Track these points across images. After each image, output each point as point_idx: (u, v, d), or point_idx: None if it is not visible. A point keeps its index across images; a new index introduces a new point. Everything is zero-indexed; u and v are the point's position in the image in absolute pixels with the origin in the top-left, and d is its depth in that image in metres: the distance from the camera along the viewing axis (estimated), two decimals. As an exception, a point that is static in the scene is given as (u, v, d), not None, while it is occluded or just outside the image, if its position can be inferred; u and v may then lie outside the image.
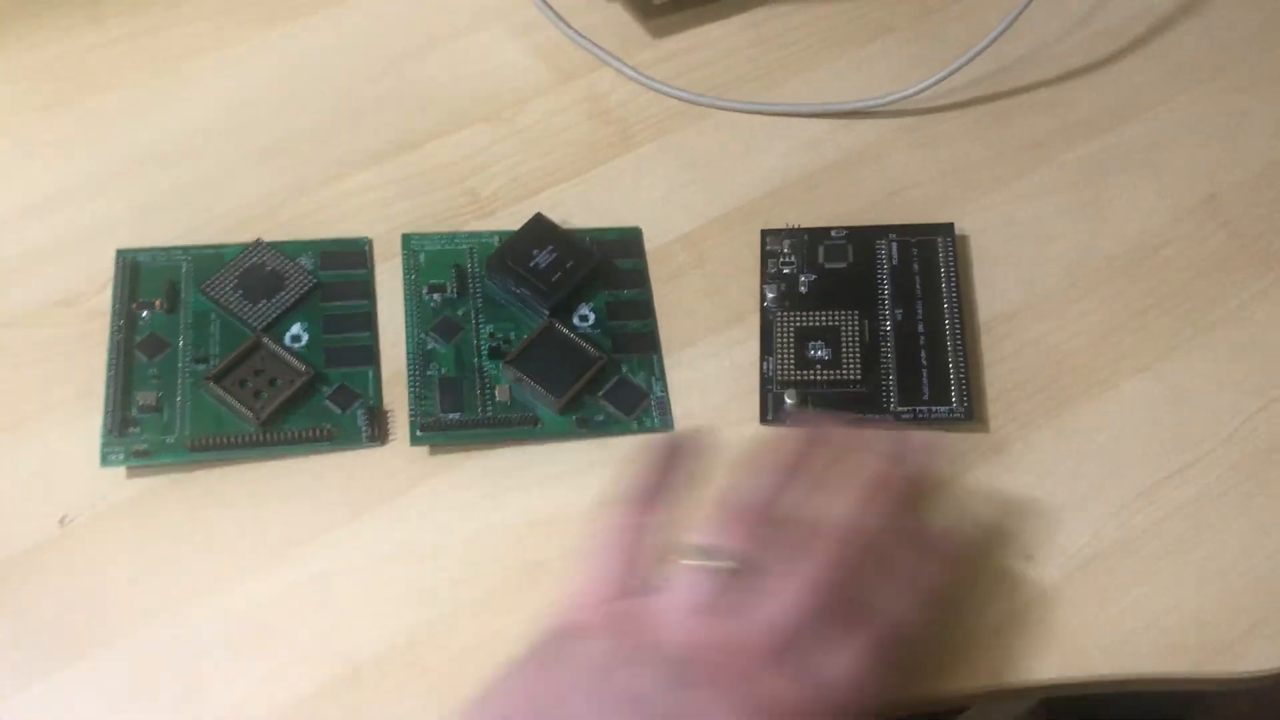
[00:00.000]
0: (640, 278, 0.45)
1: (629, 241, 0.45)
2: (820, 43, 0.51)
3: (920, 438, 0.37)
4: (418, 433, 0.40)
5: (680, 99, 0.49)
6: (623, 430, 0.41)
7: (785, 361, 0.42)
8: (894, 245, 0.44)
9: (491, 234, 0.45)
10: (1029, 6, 0.47)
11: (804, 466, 0.34)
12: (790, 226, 0.45)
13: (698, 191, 0.47)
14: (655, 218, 0.46)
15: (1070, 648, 0.37)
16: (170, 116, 0.48)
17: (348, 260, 0.45)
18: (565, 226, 0.45)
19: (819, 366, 0.42)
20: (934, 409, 0.41)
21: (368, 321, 0.43)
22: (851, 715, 0.30)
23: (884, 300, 0.43)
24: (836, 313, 0.43)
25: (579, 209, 0.46)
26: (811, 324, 0.43)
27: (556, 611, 0.32)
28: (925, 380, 0.41)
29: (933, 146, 0.48)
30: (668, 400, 0.42)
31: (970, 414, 0.40)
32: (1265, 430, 0.41)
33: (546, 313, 0.43)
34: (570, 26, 0.50)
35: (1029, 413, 0.41)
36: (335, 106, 0.49)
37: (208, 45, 0.51)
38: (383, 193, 0.47)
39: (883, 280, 0.43)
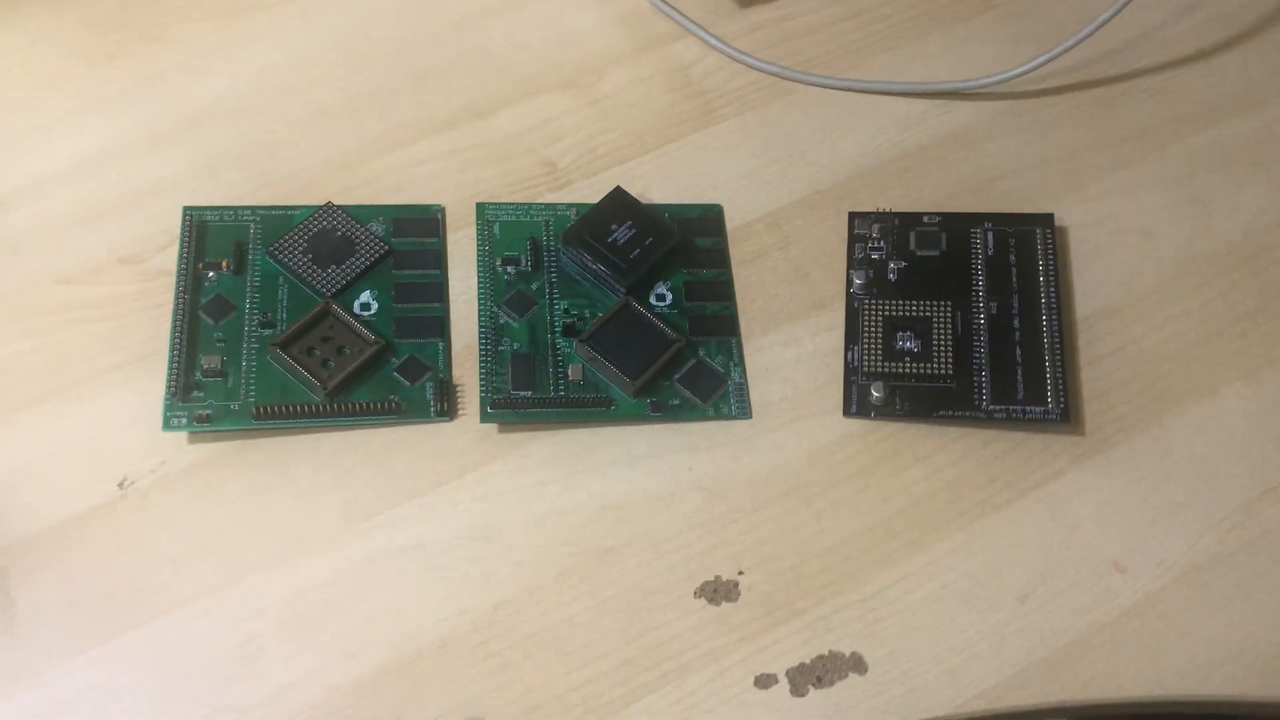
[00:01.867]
0: (720, 257, 0.43)
1: (709, 220, 0.44)
2: (916, 17, 0.49)
3: None
4: (488, 410, 0.39)
5: (766, 72, 0.47)
6: (699, 416, 0.40)
7: (872, 352, 0.40)
8: (990, 234, 0.42)
9: (568, 206, 0.43)
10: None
11: None
12: (880, 210, 0.43)
13: (782, 170, 0.45)
14: (737, 196, 0.44)
15: (1163, 665, 0.35)
16: (235, 70, 0.47)
17: (420, 228, 0.43)
18: (644, 201, 0.44)
19: (908, 359, 0.40)
20: (1028, 408, 0.39)
21: (439, 292, 0.42)
22: None
23: (978, 292, 0.41)
24: (927, 302, 0.41)
25: (658, 183, 0.45)
26: (901, 313, 0.41)
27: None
28: (1020, 378, 0.39)
29: (1031, 132, 0.46)
30: (746, 387, 0.40)
31: (1066, 415, 0.39)
32: (1377, 446, 0.39)
33: (624, 291, 0.41)
34: (653, -8, 0.48)
35: (1126, 417, 0.39)
36: (404, 68, 0.47)
37: (278, -2, 0.49)
38: (455, 160, 0.45)
39: (977, 271, 0.41)
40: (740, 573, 0.37)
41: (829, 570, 0.37)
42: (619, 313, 0.40)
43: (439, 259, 0.42)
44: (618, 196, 0.42)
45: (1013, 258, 0.42)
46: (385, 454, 0.39)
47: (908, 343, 0.40)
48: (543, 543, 0.37)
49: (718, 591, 0.37)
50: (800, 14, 0.49)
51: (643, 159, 0.45)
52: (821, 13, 0.49)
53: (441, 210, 0.44)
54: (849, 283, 0.42)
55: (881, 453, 0.39)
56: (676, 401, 0.40)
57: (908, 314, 0.41)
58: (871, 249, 0.42)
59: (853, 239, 0.43)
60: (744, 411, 0.40)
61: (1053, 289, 0.41)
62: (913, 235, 0.42)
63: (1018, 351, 0.40)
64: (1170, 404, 0.40)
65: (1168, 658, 0.35)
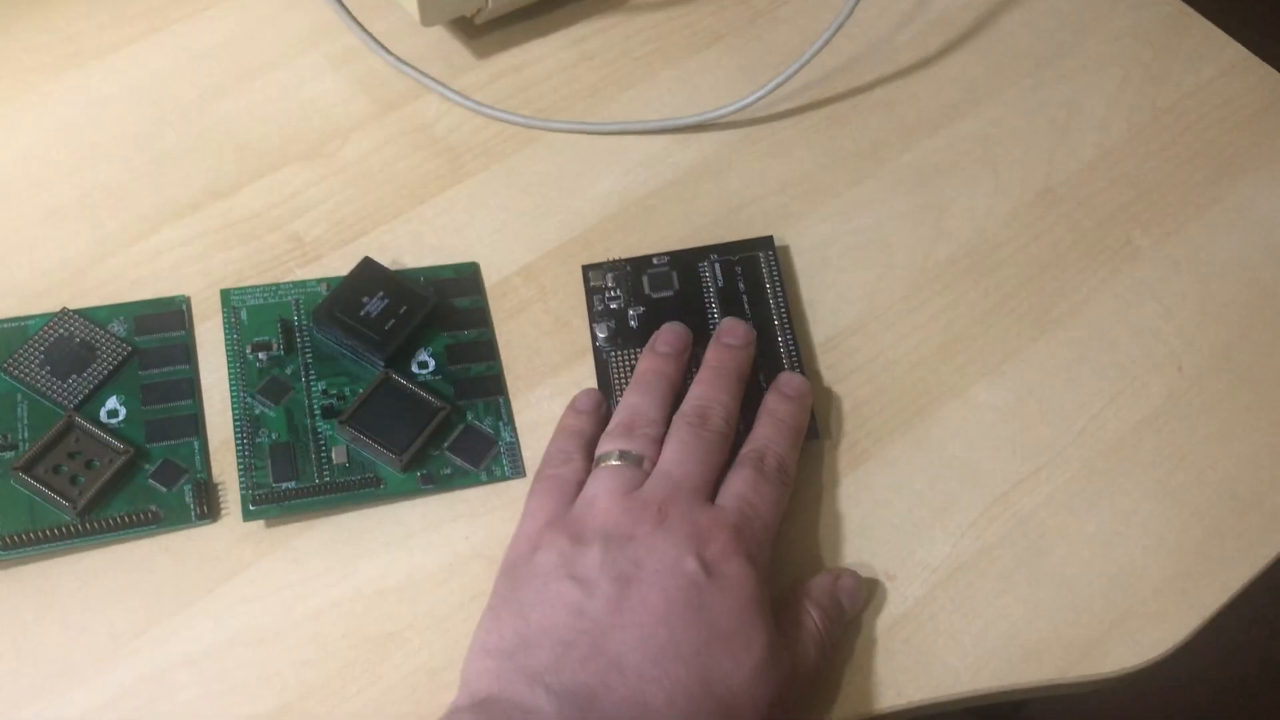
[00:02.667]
0: (481, 316, 0.43)
1: (466, 279, 0.44)
2: (647, 55, 0.49)
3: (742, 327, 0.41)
4: (250, 507, 0.38)
5: (510, 122, 0.47)
6: (472, 482, 0.39)
7: None
8: (717, 266, 0.43)
9: (318, 281, 0.43)
10: (858, 6, 0.46)
11: (667, 378, 0.40)
12: (611, 259, 0.43)
13: (535, 220, 0.45)
14: (493, 251, 0.44)
15: (938, 666, 0.37)
16: (-45, 179, 0.45)
17: (165, 322, 0.42)
18: (398, 267, 0.43)
19: (667, 400, 0.40)
20: None
21: (191, 388, 0.40)
22: (756, 524, 0.36)
23: (714, 325, 0.42)
24: (675, 343, 0.41)
25: (411, 247, 0.44)
26: (653, 356, 0.41)
27: (507, 553, 0.36)
28: (771, 404, 0.40)
29: (772, 156, 0.47)
30: (518, 445, 0.40)
31: (816, 433, 0.40)
32: (1112, 426, 0.41)
33: (382, 364, 0.41)
34: (390, 53, 0.48)
35: (881, 427, 0.41)
36: (137, 156, 0.46)
37: (-9, 97, 0.47)
38: (198, 245, 0.44)
39: (711, 304, 0.42)
40: (525, 636, 0.37)
41: (612, 620, 0.37)
42: (379, 387, 0.40)
43: (188, 352, 0.41)
44: (367, 266, 0.42)
45: (741, 285, 0.43)
46: (149, 565, 0.37)
47: None
48: (322, 637, 0.36)
49: (504, 659, 0.37)
50: (535, 61, 0.49)
51: (393, 223, 0.45)
52: (556, 58, 0.49)
53: (186, 301, 0.42)
54: (593, 337, 0.42)
55: (655, 494, 0.40)
56: (448, 470, 0.39)
57: (660, 356, 0.41)
58: (610, 299, 0.43)
59: (589, 292, 0.43)
60: (517, 471, 0.40)
61: (784, 310, 0.42)
62: (645, 279, 0.43)
63: (760, 378, 0.41)
64: (923, 409, 0.41)
65: (940, 659, 0.37)
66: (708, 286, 0.42)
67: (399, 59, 0.48)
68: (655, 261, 0.43)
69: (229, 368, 0.40)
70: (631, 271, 0.43)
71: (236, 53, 0.49)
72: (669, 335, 0.41)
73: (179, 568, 0.37)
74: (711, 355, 0.40)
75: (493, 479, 0.40)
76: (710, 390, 0.39)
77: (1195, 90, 0.50)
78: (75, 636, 0.36)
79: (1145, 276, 0.45)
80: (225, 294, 0.42)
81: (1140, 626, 0.38)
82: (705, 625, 0.33)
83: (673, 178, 0.46)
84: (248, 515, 0.38)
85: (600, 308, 0.42)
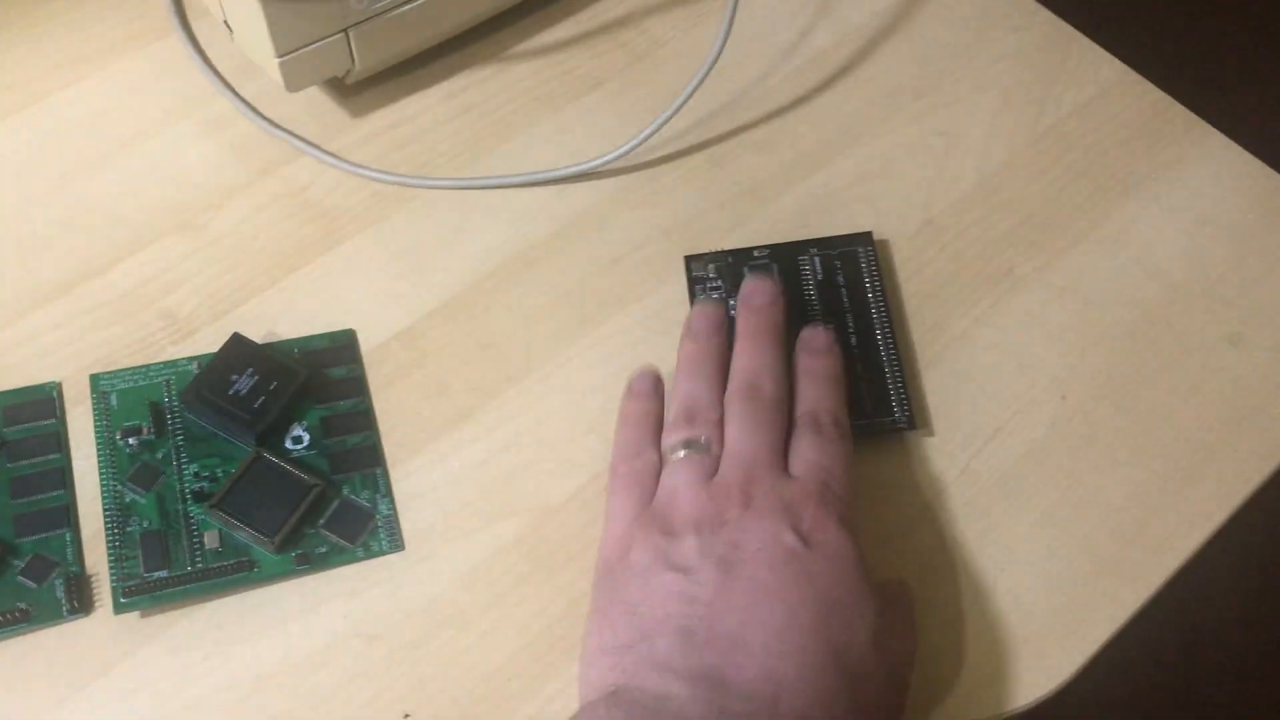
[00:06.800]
0: (357, 385, 0.42)
1: (341, 347, 0.43)
2: (525, 105, 0.49)
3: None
4: (121, 599, 0.37)
5: (386, 181, 0.47)
6: (349, 559, 0.39)
7: None
8: (816, 260, 0.44)
9: (190, 360, 0.42)
10: (727, 44, 0.45)
11: (712, 358, 0.40)
12: (713, 250, 0.45)
13: (413, 282, 0.45)
14: (370, 316, 0.44)
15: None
16: None
17: (34, 411, 0.41)
18: (273, 338, 0.43)
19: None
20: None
21: (62, 478, 0.40)
22: (836, 485, 0.37)
23: (815, 314, 0.43)
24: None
25: (287, 317, 0.44)
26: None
27: (600, 557, 0.37)
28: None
29: (652, 205, 0.46)
30: (396, 517, 0.40)
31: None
32: (996, 461, 0.41)
33: (253, 443, 0.40)
34: (262, 116, 0.47)
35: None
36: (4, 238, 0.45)
37: None
38: (70, 328, 0.43)
39: (810, 296, 0.44)
40: (406, 716, 0.36)
41: (494, 695, 0.37)
42: (250, 467, 0.39)
43: (59, 441, 0.40)
44: (236, 343, 0.41)
45: (840, 279, 0.44)
46: (21, 666, 0.37)
47: None
48: (198, 728, 0.36)
49: (385, 741, 0.36)
50: (412, 117, 0.48)
51: (268, 293, 0.44)
52: (434, 113, 0.48)
53: (57, 387, 0.42)
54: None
55: (539, 556, 0.39)
56: (324, 549, 0.39)
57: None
58: (710, 289, 0.44)
59: (691, 281, 0.44)
60: (395, 544, 0.39)
61: (882, 303, 0.43)
62: (746, 270, 0.44)
63: (858, 368, 0.42)
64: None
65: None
66: (807, 279, 0.44)
67: (271, 122, 0.47)
68: (756, 254, 0.45)
69: (99, 455, 0.40)
70: (733, 263, 0.44)
71: (107, 125, 0.48)
72: (701, 316, 0.41)
73: (52, 666, 0.37)
74: (743, 321, 0.41)
75: (370, 554, 0.39)
76: (753, 358, 0.39)
77: (1075, 110, 0.49)
78: (-53, 743, 0.36)
79: (1028, 304, 0.45)
80: (94, 379, 0.41)
81: (1028, 665, 0.38)
82: (818, 597, 0.34)
83: (551, 231, 0.46)
84: (119, 608, 0.37)
85: (703, 297, 0.44)
